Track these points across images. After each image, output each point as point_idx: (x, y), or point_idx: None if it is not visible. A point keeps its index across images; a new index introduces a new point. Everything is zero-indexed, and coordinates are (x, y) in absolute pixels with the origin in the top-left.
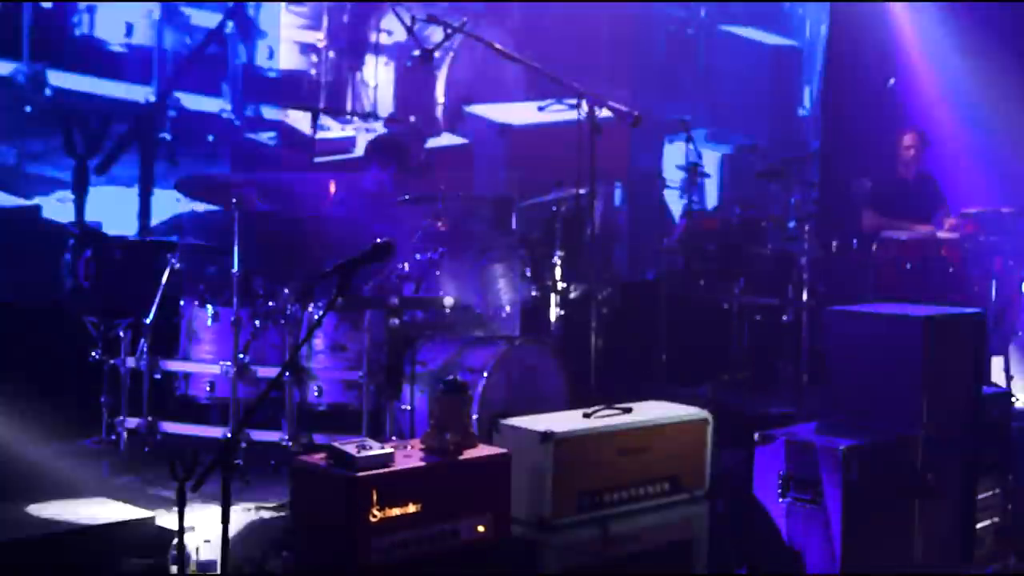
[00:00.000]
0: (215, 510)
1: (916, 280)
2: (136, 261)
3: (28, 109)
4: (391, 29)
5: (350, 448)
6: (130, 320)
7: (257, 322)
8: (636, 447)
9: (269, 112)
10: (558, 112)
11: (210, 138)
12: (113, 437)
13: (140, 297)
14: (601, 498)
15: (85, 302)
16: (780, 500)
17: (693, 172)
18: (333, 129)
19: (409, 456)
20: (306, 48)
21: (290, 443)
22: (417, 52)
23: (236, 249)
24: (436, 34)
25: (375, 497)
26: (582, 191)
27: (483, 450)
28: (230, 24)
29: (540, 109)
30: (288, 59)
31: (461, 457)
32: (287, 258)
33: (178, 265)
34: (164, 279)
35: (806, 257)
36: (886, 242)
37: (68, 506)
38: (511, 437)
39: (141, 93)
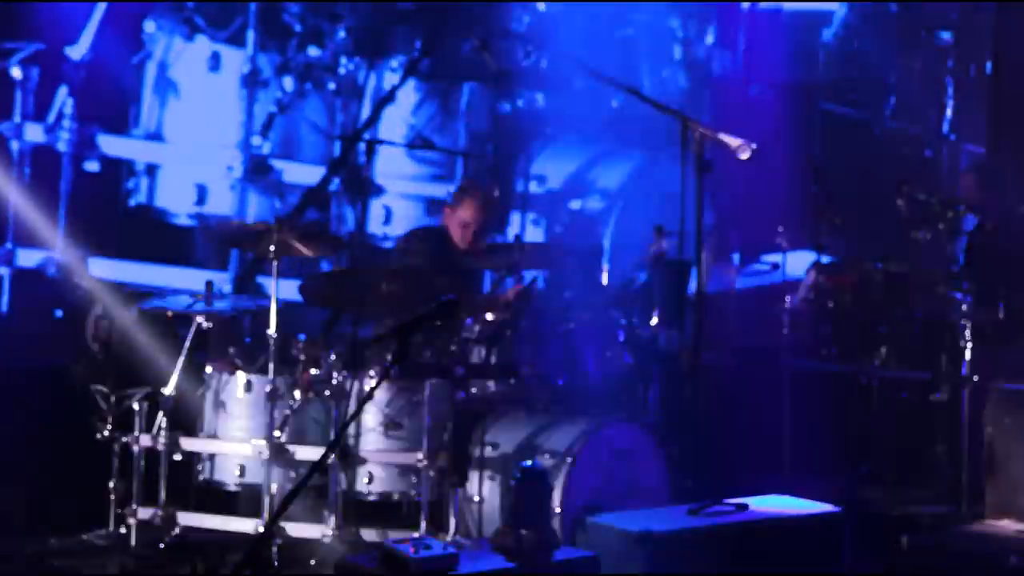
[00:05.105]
0: None
1: None
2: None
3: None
4: None
5: (406, 547)
6: (146, 391)
7: (297, 393)
8: (753, 552)
9: None
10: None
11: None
12: (123, 530)
13: (158, 363)
14: None
15: (93, 368)
16: None
17: (820, 218)
18: None
19: (477, 558)
20: None
21: (334, 540)
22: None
23: (274, 308)
24: None
25: None
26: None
27: (566, 552)
28: (335, 180)
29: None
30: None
31: (540, 561)
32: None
33: (205, 325)
34: (188, 342)
35: (965, 322)
36: None
37: None
38: (601, 537)
39: (217, 278)
